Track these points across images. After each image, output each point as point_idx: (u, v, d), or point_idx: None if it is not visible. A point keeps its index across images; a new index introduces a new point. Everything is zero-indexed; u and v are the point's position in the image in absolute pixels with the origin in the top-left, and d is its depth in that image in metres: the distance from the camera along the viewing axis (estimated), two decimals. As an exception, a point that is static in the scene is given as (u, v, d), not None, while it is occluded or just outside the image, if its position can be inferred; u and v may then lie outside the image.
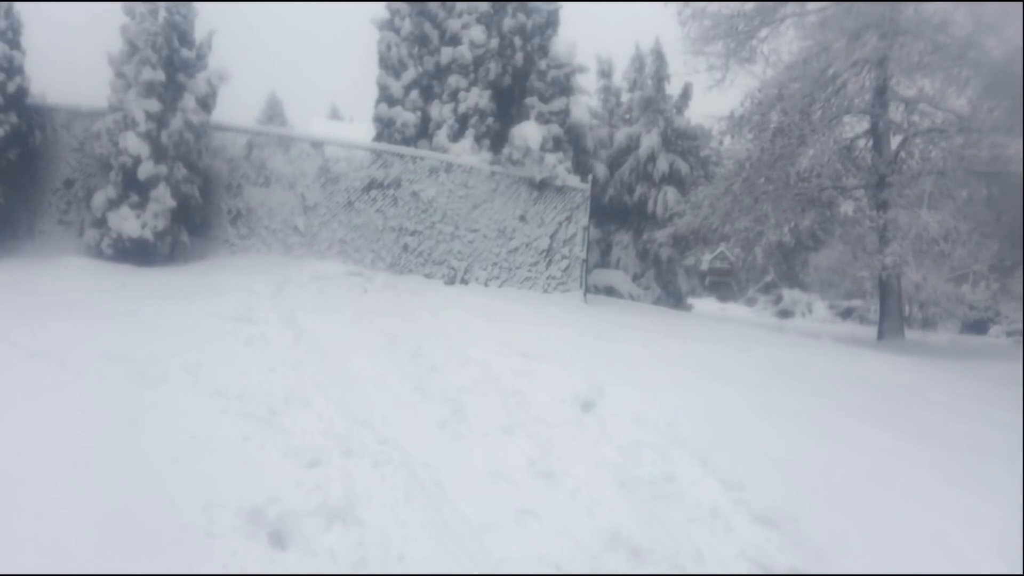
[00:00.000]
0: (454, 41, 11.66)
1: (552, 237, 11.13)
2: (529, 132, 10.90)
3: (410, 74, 11.82)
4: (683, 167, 15.41)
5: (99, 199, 9.08)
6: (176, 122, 9.04)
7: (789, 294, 36.96)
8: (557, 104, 11.70)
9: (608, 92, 17.44)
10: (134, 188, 8.98)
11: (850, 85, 12.89)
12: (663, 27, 15.43)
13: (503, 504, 3.52)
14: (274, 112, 30.53)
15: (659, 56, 16.31)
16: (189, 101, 9.19)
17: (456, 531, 3.25)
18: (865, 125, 13.64)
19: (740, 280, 38.21)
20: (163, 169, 8.98)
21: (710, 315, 16.84)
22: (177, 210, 9.20)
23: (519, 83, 11.91)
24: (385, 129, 11.83)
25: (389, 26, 12.18)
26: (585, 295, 11.23)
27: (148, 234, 8.94)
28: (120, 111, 9.05)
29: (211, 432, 3.78)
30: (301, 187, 10.43)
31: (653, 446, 4.29)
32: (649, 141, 15.40)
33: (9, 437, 3.38)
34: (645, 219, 15.39)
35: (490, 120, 11.45)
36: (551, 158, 10.92)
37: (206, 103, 9.47)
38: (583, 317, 9.19)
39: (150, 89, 8.98)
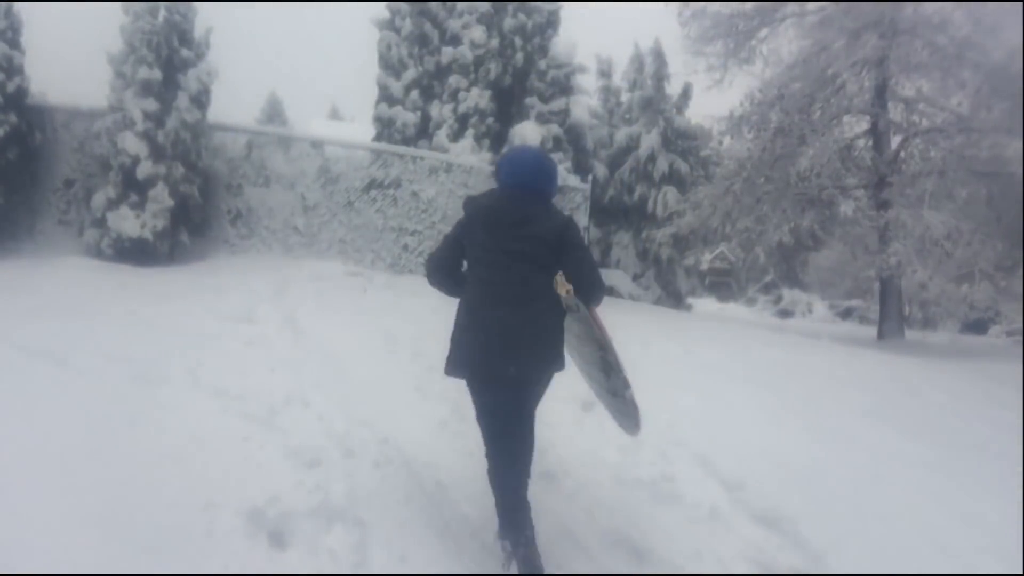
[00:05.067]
0: (454, 41, 11.66)
1: (552, 237, 11.12)
2: (529, 132, 10.91)
3: (410, 74, 11.82)
4: (683, 167, 15.41)
5: (99, 199, 9.08)
6: (172, 121, 9.03)
7: (789, 294, 37.00)
8: (557, 104, 11.70)
9: (608, 92, 17.44)
10: (133, 188, 8.98)
11: (850, 85, 12.90)
12: (663, 27, 15.46)
13: (503, 504, 3.51)
14: (274, 112, 30.50)
15: (659, 56, 16.31)
16: (183, 99, 9.19)
17: (458, 532, 3.25)
18: (865, 125, 13.65)
19: (740, 280, 38.26)
20: (161, 169, 8.98)
21: (710, 315, 16.84)
22: (176, 210, 9.19)
23: (519, 83, 11.91)
24: (385, 129, 11.84)
25: (389, 26, 12.19)
26: (585, 295, 11.22)
27: (148, 234, 8.93)
28: (119, 111, 9.05)
29: (211, 432, 3.78)
30: (301, 187, 10.43)
31: (653, 446, 4.29)
32: (649, 141, 15.39)
33: (9, 437, 3.38)
34: (645, 219, 15.39)
35: (490, 120, 11.45)
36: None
37: (199, 100, 9.46)
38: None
39: (147, 88, 8.98)
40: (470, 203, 3.01)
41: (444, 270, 3.03)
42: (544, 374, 3.01)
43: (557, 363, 2.99)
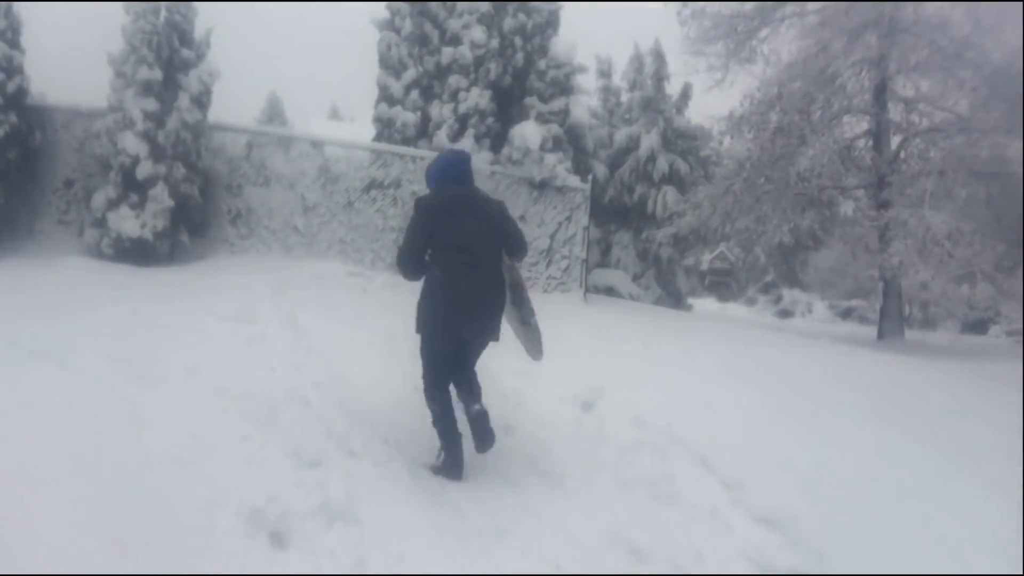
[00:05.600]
0: (455, 41, 11.65)
1: (552, 237, 11.13)
2: (529, 132, 10.90)
3: (410, 74, 11.81)
4: (683, 167, 15.41)
5: (99, 199, 9.08)
6: (172, 121, 9.03)
7: (789, 294, 37.00)
8: (557, 104, 11.69)
9: (608, 92, 17.43)
10: (133, 188, 8.98)
11: (850, 85, 12.89)
12: (663, 27, 15.45)
13: (504, 505, 3.52)
14: (274, 112, 30.47)
15: (659, 56, 16.32)
16: (184, 100, 9.19)
17: (458, 532, 3.25)
18: (865, 125, 13.63)
19: (740, 280, 38.16)
20: (162, 169, 8.98)
21: (710, 315, 16.85)
22: (177, 210, 9.19)
23: (519, 83, 11.90)
24: (385, 129, 11.83)
25: (389, 26, 12.18)
26: (585, 295, 11.23)
27: (148, 234, 8.94)
28: (119, 111, 9.05)
29: (211, 432, 3.78)
30: (301, 187, 10.43)
31: (653, 446, 4.29)
32: (649, 141, 15.40)
33: (9, 437, 3.38)
34: (645, 219, 15.39)
35: (490, 120, 11.44)
36: (551, 158, 10.91)
37: (200, 101, 9.45)
38: (583, 317, 9.20)
39: (148, 88, 8.98)
40: (429, 200, 3.81)
41: (418, 259, 3.81)
42: (487, 338, 3.92)
43: (496, 333, 3.91)
